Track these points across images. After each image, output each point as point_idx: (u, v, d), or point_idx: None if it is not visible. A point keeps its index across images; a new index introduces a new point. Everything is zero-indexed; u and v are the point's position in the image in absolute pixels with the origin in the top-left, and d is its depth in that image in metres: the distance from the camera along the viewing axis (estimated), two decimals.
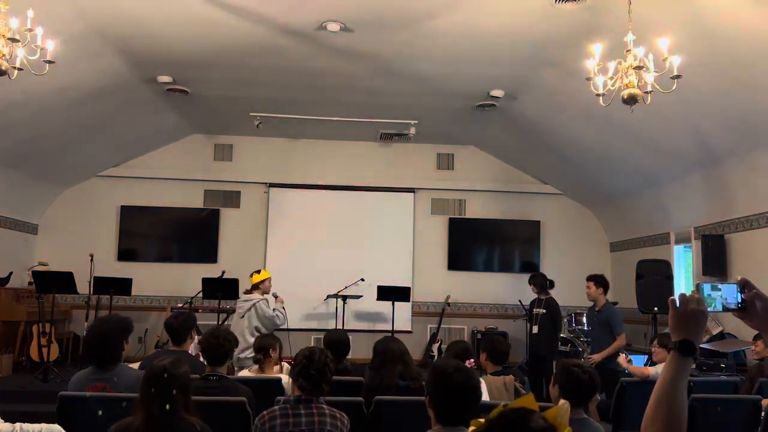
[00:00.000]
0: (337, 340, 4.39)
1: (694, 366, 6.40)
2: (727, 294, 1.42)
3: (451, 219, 9.73)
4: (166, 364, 2.45)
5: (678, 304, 1.37)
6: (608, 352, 5.56)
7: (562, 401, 1.30)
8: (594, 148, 7.77)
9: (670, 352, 1.35)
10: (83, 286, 7.67)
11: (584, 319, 8.26)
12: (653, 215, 8.38)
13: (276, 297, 6.52)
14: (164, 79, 6.82)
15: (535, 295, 6.99)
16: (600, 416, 4.75)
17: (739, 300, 1.42)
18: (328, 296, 8.74)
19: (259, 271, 6.56)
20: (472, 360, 4.00)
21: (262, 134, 8.93)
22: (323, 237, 9.37)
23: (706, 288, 1.42)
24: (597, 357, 5.56)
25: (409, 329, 9.07)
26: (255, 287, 6.35)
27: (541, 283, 6.94)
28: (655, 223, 8.41)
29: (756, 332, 5.18)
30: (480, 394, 2.36)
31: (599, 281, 6.00)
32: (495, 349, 4.31)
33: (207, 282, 7.64)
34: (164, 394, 2.36)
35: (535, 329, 6.78)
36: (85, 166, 9.01)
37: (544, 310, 6.75)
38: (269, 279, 6.41)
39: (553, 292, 7.13)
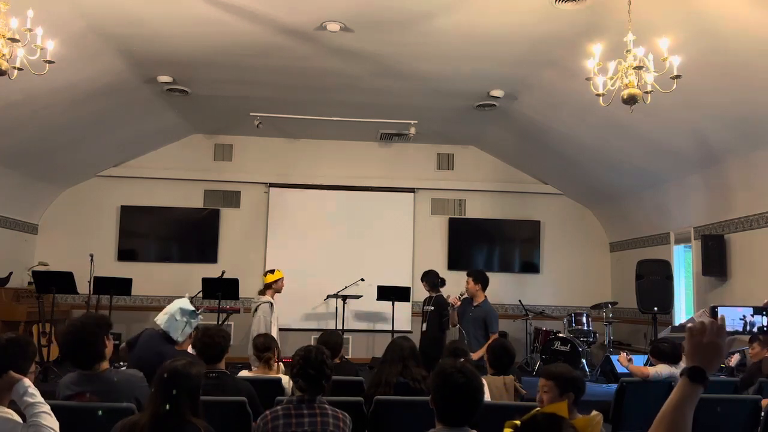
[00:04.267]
0: (325, 342, 4.38)
1: None
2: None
3: (451, 219, 9.73)
4: (178, 366, 2.45)
5: (695, 333, 1.36)
6: (483, 352, 5.35)
7: (594, 412, 1.31)
8: (594, 148, 7.77)
9: (682, 376, 1.35)
10: (83, 286, 7.67)
11: (584, 319, 8.29)
12: (653, 215, 8.39)
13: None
14: (164, 79, 6.82)
15: (427, 293, 6.91)
16: None
17: (765, 324, 1.41)
18: (328, 296, 8.74)
19: (272, 271, 6.66)
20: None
21: (262, 134, 8.93)
22: (323, 237, 9.38)
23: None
24: (475, 356, 5.35)
25: (409, 329, 9.07)
26: (268, 287, 6.47)
27: (432, 281, 6.88)
28: (655, 223, 8.41)
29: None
30: (481, 397, 2.35)
31: (477, 277, 6.01)
32: (497, 357, 4.22)
33: (207, 282, 7.64)
34: (170, 395, 2.36)
35: (424, 326, 6.73)
36: (85, 166, 9.01)
37: (432, 308, 6.69)
38: (282, 279, 6.51)
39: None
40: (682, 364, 4.66)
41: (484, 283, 6.06)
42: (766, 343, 4.89)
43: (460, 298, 6.28)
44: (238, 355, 7.28)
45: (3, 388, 2.43)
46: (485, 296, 6.04)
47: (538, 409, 1.24)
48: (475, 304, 6.01)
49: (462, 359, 3.88)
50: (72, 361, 3.04)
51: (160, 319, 4.07)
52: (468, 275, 6.20)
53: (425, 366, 5.90)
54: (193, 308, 4.13)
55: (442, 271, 9.49)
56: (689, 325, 1.38)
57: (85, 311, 7.75)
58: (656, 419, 1.32)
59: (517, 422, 1.22)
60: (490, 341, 5.55)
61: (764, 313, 1.43)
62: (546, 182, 9.83)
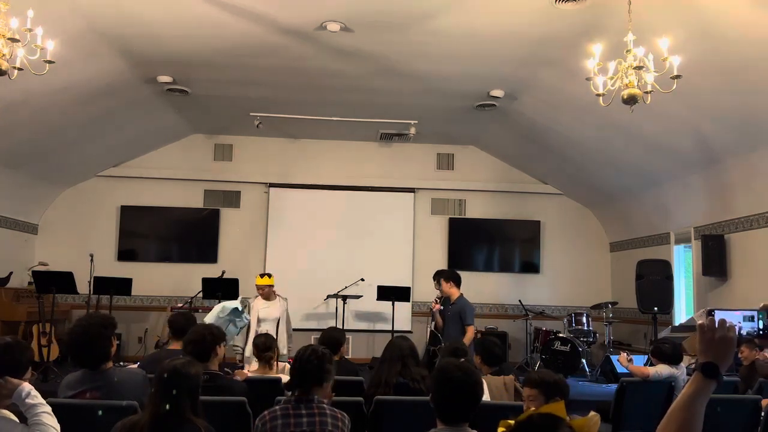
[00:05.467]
0: (326, 338, 4.38)
1: (694, 366, 6.36)
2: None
3: (451, 219, 9.73)
4: (177, 365, 2.44)
5: (706, 330, 1.37)
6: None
7: (592, 413, 1.30)
8: (594, 148, 7.77)
9: (695, 372, 1.35)
10: (83, 286, 7.67)
11: (584, 319, 8.29)
12: (653, 215, 8.39)
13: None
14: (164, 79, 6.82)
15: (438, 292, 6.83)
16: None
17: (761, 327, 1.43)
18: (328, 296, 8.74)
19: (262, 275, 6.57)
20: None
21: (262, 134, 8.93)
22: (323, 237, 9.38)
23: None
24: None
25: (409, 329, 9.07)
26: None
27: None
28: (655, 223, 8.41)
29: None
30: (480, 392, 2.36)
31: (448, 276, 5.97)
32: (489, 352, 4.28)
33: (207, 282, 7.65)
34: (170, 394, 2.35)
35: (433, 325, 6.62)
36: (85, 166, 9.01)
37: (442, 307, 6.62)
38: (260, 286, 6.38)
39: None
40: (683, 365, 4.68)
41: (455, 281, 6.00)
42: (760, 345, 4.90)
43: (437, 301, 6.21)
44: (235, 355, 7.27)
45: (2, 395, 2.43)
46: (460, 293, 5.98)
47: (533, 409, 1.24)
48: (451, 302, 5.98)
49: (462, 359, 3.90)
50: (78, 362, 3.05)
51: (207, 319, 4.10)
52: (440, 276, 6.12)
53: (430, 364, 5.82)
54: (238, 307, 4.13)
55: None
56: (699, 322, 1.39)
57: (85, 311, 7.75)
58: (667, 414, 1.32)
59: (511, 422, 1.22)
60: (467, 334, 5.52)
61: (761, 316, 1.44)
62: (546, 182, 9.83)
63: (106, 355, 3.02)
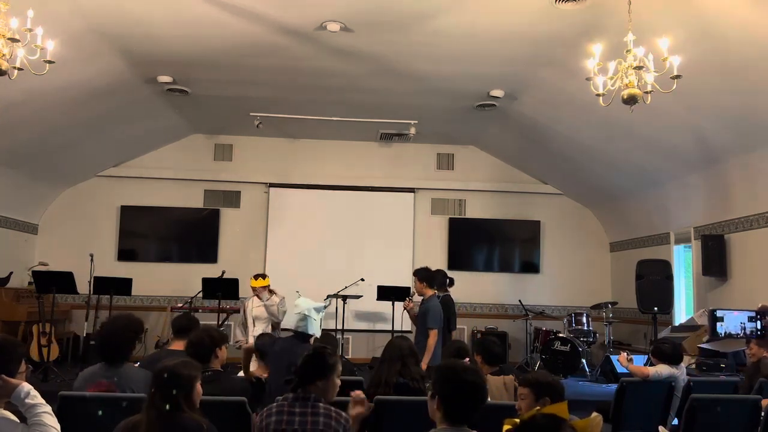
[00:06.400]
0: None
1: (694, 366, 6.35)
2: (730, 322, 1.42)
3: (451, 219, 9.73)
4: (173, 365, 2.47)
5: None
6: (428, 356, 5.11)
7: (594, 414, 1.30)
8: (594, 148, 7.77)
9: None
10: (83, 286, 7.66)
11: (584, 319, 8.29)
12: (653, 215, 8.39)
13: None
14: (164, 79, 6.82)
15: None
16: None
17: (759, 327, 1.42)
18: (328, 296, 8.73)
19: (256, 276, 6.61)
20: (467, 359, 3.98)
21: (262, 134, 8.93)
22: (323, 237, 9.38)
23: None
24: (423, 364, 4.88)
25: (409, 329, 9.06)
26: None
27: (441, 281, 6.60)
28: (655, 223, 8.41)
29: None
30: (486, 393, 2.37)
31: (422, 275, 5.77)
32: (489, 351, 4.29)
33: (207, 282, 7.65)
34: (168, 394, 2.38)
35: None
36: (85, 166, 9.01)
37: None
38: (254, 287, 6.49)
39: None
40: (683, 365, 4.68)
41: (429, 281, 5.85)
42: (763, 344, 4.90)
43: (410, 299, 6.09)
44: (236, 355, 7.26)
45: (0, 394, 2.43)
46: (434, 293, 5.83)
47: (538, 408, 1.25)
48: (423, 302, 5.88)
49: (466, 359, 3.90)
50: (101, 356, 3.30)
51: (293, 323, 4.15)
52: (413, 275, 6.02)
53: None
54: (322, 304, 4.20)
55: None
56: None
57: (85, 311, 7.74)
58: None
59: (516, 420, 1.22)
60: (429, 341, 5.30)
61: (758, 317, 1.44)
62: (546, 182, 9.83)
63: (127, 357, 3.31)
